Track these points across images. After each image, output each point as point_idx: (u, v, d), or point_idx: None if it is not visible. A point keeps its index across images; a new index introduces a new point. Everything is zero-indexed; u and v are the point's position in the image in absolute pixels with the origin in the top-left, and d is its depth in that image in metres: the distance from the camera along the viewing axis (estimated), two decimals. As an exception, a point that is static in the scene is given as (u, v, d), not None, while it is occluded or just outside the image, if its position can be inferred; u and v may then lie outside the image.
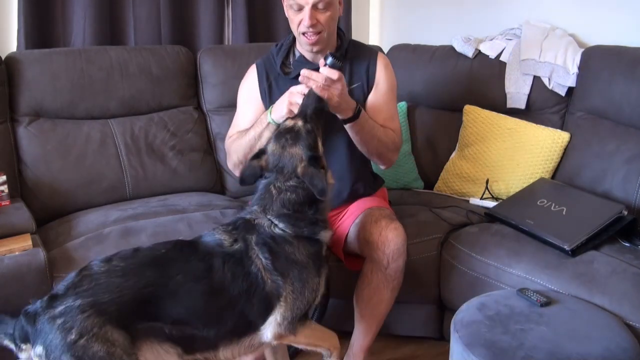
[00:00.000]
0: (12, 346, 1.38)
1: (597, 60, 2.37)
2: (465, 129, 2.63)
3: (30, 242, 1.83)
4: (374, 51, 2.08)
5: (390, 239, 1.82)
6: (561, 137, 2.39)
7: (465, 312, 1.68)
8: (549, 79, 2.50)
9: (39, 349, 1.31)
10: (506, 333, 1.54)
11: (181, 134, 2.55)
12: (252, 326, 1.53)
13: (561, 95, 2.50)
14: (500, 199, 2.38)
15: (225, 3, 2.91)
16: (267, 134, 1.83)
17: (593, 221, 1.93)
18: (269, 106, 1.99)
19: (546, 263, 1.86)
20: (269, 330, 1.53)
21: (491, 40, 2.72)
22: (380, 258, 1.83)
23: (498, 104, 2.61)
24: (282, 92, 1.96)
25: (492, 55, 2.66)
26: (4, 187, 2.06)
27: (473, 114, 2.62)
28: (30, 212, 2.04)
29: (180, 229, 2.03)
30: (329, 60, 1.75)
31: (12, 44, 2.51)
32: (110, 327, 1.32)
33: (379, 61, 2.02)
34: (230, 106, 2.59)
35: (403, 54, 2.89)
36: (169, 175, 2.48)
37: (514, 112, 2.57)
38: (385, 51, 2.88)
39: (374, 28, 3.44)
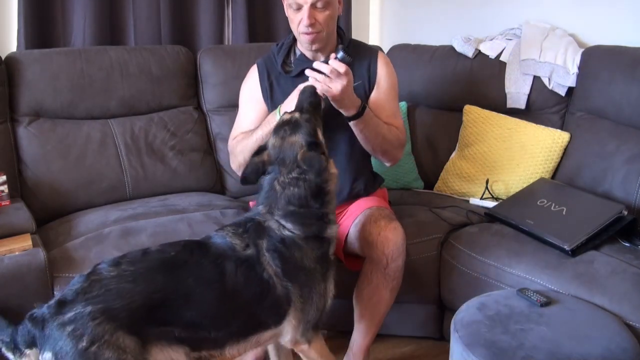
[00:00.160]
0: (8, 354, 1.37)
1: (597, 60, 2.37)
2: (465, 129, 2.63)
3: (30, 242, 1.83)
4: (374, 50, 2.09)
5: (390, 239, 1.82)
6: (561, 137, 2.39)
7: (465, 312, 1.68)
8: (549, 79, 2.50)
9: (48, 355, 1.29)
10: (506, 333, 1.54)
11: (181, 134, 2.55)
12: (261, 325, 1.54)
13: (561, 95, 2.50)
14: (500, 199, 2.38)
15: (225, 3, 2.91)
16: None
17: (593, 221, 1.93)
18: (271, 105, 2.00)
19: (546, 263, 1.86)
20: (288, 334, 1.57)
21: (491, 40, 2.72)
22: (380, 258, 1.83)
23: (498, 104, 2.61)
24: (283, 91, 1.97)
25: (492, 55, 2.66)
26: (4, 187, 2.06)
27: (473, 114, 2.62)
28: (30, 212, 2.04)
29: (180, 229, 2.03)
30: (340, 54, 1.76)
31: (12, 44, 2.51)
32: (121, 333, 1.31)
33: (380, 60, 2.04)
34: (230, 106, 2.60)
35: (403, 53, 2.89)
36: (169, 175, 2.48)
37: (514, 112, 2.57)
38: (385, 51, 2.88)
39: (374, 28, 3.44)
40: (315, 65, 1.75)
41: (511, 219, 2.09)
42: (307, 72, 1.77)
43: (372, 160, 2.19)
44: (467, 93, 2.69)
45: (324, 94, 1.75)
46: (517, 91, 2.57)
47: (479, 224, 2.20)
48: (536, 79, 2.53)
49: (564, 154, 2.39)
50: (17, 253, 1.77)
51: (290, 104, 1.79)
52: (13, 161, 2.26)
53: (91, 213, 2.22)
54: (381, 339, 2.19)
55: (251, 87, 2.06)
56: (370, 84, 2.02)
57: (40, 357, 1.31)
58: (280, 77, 2.02)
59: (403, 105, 2.76)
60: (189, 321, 1.42)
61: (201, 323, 1.44)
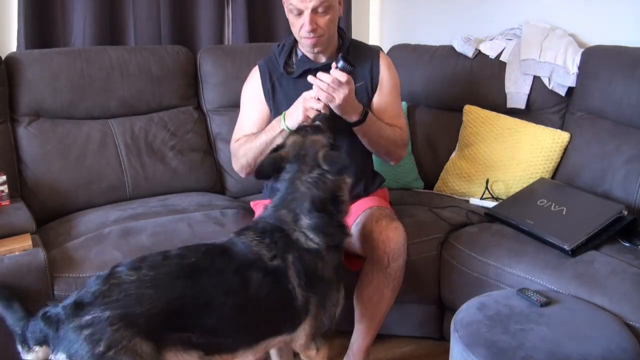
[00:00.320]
0: (17, 345, 1.36)
1: (597, 60, 2.37)
2: (465, 129, 2.63)
3: (30, 242, 1.83)
4: (375, 51, 2.09)
5: (391, 238, 1.82)
6: (561, 137, 2.39)
7: (465, 312, 1.68)
8: (549, 79, 2.50)
9: (62, 356, 1.28)
10: (506, 333, 1.54)
11: (181, 134, 2.55)
12: (276, 332, 1.55)
13: (561, 95, 2.50)
14: (500, 199, 2.38)
15: (225, 3, 2.91)
16: (279, 140, 1.87)
17: (593, 221, 1.93)
18: (273, 106, 2.01)
19: (546, 263, 1.86)
20: (300, 340, 1.58)
21: (491, 40, 2.72)
22: (381, 257, 1.84)
23: (498, 104, 2.61)
24: (285, 92, 1.98)
25: (492, 55, 2.66)
26: (4, 187, 2.06)
27: (473, 114, 2.62)
28: (30, 212, 2.04)
29: (180, 229, 2.03)
30: (340, 63, 1.76)
31: (12, 44, 2.51)
32: (139, 339, 1.29)
33: (382, 61, 2.05)
34: (230, 106, 2.60)
35: (403, 54, 2.89)
36: (169, 175, 2.48)
37: (514, 112, 2.57)
38: (385, 51, 2.88)
39: (374, 28, 3.44)
40: (318, 75, 1.77)
41: (511, 219, 2.09)
42: (310, 79, 1.78)
43: (374, 159, 2.20)
44: (467, 93, 2.69)
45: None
46: (517, 91, 2.57)
47: (479, 224, 2.20)
48: (536, 79, 2.53)
49: (564, 154, 2.39)
50: (17, 253, 1.77)
51: (295, 112, 1.81)
52: (13, 161, 2.26)
53: (91, 213, 2.22)
54: (381, 339, 2.19)
55: (253, 89, 2.07)
56: (373, 85, 2.03)
57: (52, 357, 1.30)
58: (282, 78, 2.02)
59: (403, 105, 2.75)
60: (208, 328, 1.40)
61: (220, 329, 1.43)
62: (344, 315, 2.02)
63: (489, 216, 2.21)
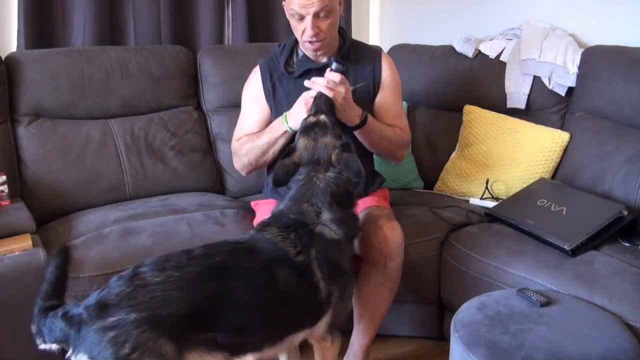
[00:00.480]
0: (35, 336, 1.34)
1: (597, 60, 2.37)
2: (465, 129, 2.63)
3: (30, 242, 1.83)
4: (377, 51, 2.10)
5: (388, 238, 1.82)
6: (561, 137, 2.39)
7: (465, 312, 1.68)
8: (549, 79, 2.50)
9: (84, 357, 1.27)
10: (506, 333, 1.54)
11: (181, 134, 2.55)
12: (300, 327, 1.56)
13: (561, 95, 2.50)
14: (500, 199, 2.38)
15: (225, 3, 2.91)
16: (282, 141, 1.91)
17: (593, 221, 1.92)
18: (273, 106, 2.01)
19: (546, 263, 1.86)
20: (319, 332, 1.60)
21: (491, 40, 2.72)
22: (378, 257, 1.84)
23: (498, 104, 2.61)
24: (286, 92, 1.99)
25: (492, 55, 2.66)
26: (4, 187, 2.06)
27: (473, 114, 2.62)
28: (30, 212, 2.04)
29: (180, 229, 2.03)
30: (334, 65, 1.80)
31: (12, 44, 2.51)
32: (163, 340, 1.28)
33: (384, 61, 2.06)
34: (230, 106, 2.60)
35: (403, 54, 2.89)
36: (169, 175, 2.48)
37: (514, 112, 2.57)
38: (385, 51, 2.88)
39: (374, 28, 3.44)
40: (313, 80, 1.79)
41: (511, 219, 2.09)
42: (307, 83, 1.81)
43: (375, 159, 2.20)
44: (467, 93, 2.69)
45: None
46: (517, 91, 2.57)
47: (479, 224, 2.20)
48: (536, 79, 2.53)
49: (564, 154, 2.39)
50: (17, 253, 1.77)
51: (298, 113, 1.82)
52: (13, 161, 2.26)
53: (91, 213, 2.22)
54: (381, 339, 2.19)
55: (254, 88, 2.07)
56: (375, 85, 2.04)
57: (73, 358, 1.28)
58: (283, 78, 2.03)
59: (403, 105, 2.76)
60: (235, 327, 1.40)
61: (246, 328, 1.43)
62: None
63: (489, 216, 2.21)
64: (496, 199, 2.40)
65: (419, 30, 3.17)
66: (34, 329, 1.33)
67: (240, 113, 2.12)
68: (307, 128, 1.69)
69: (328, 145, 1.64)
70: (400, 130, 2.04)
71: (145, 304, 1.29)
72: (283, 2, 1.94)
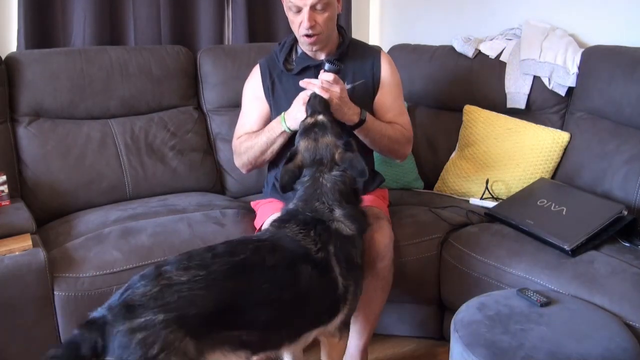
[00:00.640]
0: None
1: (597, 60, 2.37)
2: (465, 129, 2.63)
3: (30, 242, 1.83)
4: (376, 50, 2.11)
5: (376, 239, 1.83)
6: (561, 137, 2.39)
7: (465, 312, 1.68)
8: (549, 79, 2.49)
9: (111, 359, 1.25)
10: (506, 333, 1.54)
11: (181, 134, 2.55)
12: (318, 323, 1.57)
13: (561, 95, 2.50)
14: (500, 199, 2.38)
15: (225, 3, 2.90)
16: (280, 141, 1.92)
17: (593, 221, 1.92)
18: (273, 103, 2.02)
19: (546, 263, 1.86)
20: (332, 329, 1.61)
21: (491, 40, 2.72)
22: (367, 259, 1.83)
23: (498, 104, 2.61)
24: (285, 89, 1.99)
25: (492, 55, 2.66)
26: (4, 187, 2.06)
27: (473, 114, 2.62)
28: (30, 212, 2.04)
29: (180, 229, 2.03)
30: (327, 66, 1.81)
31: (12, 44, 2.51)
32: (188, 339, 1.28)
33: (383, 59, 2.07)
34: (230, 106, 2.60)
35: (403, 54, 2.89)
36: (169, 175, 2.48)
37: (514, 112, 2.57)
38: (385, 51, 2.88)
39: (374, 28, 3.44)
40: (308, 81, 1.80)
41: (511, 219, 2.09)
42: (302, 83, 1.81)
43: (375, 158, 2.20)
44: (467, 93, 2.69)
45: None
46: (517, 91, 2.57)
47: (479, 224, 2.20)
48: (536, 79, 2.53)
49: (564, 154, 2.39)
50: (17, 253, 1.77)
51: (296, 114, 1.82)
52: (13, 161, 2.26)
53: (91, 213, 2.22)
54: (381, 339, 2.19)
55: (254, 86, 2.09)
56: (375, 83, 2.04)
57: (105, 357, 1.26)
58: (282, 75, 2.04)
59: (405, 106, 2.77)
60: (259, 325, 1.40)
61: (270, 326, 1.43)
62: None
63: (489, 216, 2.21)
64: (496, 199, 2.40)
65: (419, 30, 3.17)
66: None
67: (241, 111, 2.14)
68: (307, 129, 1.69)
69: (330, 145, 1.65)
70: (402, 128, 2.04)
71: (173, 304, 1.28)
72: None
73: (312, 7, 1.86)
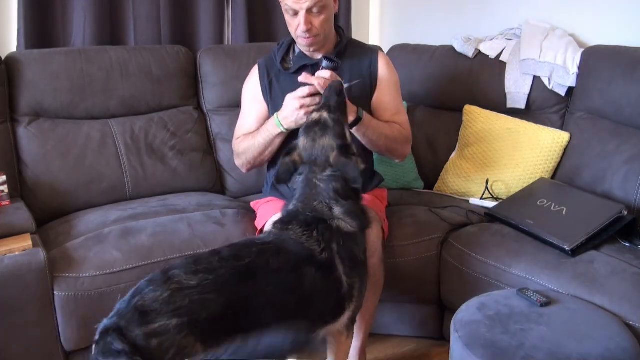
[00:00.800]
0: None
1: (597, 60, 2.37)
2: (465, 129, 2.63)
3: (30, 242, 1.83)
4: (374, 49, 2.12)
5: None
6: (561, 137, 2.39)
7: (465, 312, 1.68)
8: (549, 79, 2.49)
9: None
10: (506, 333, 1.54)
11: (181, 134, 2.55)
12: (324, 323, 1.57)
13: (561, 95, 2.50)
14: (500, 199, 2.38)
15: (225, 3, 2.91)
16: (278, 141, 1.93)
17: (593, 221, 1.92)
18: (270, 103, 2.03)
19: (546, 263, 1.86)
20: (339, 327, 1.61)
21: (491, 40, 2.72)
22: None
23: (498, 104, 2.61)
24: (282, 88, 2.00)
25: (492, 55, 2.66)
26: (4, 187, 2.06)
27: (473, 114, 2.62)
28: (30, 212, 2.04)
29: (180, 229, 2.03)
30: (324, 63, 1.82)
31: (12, 44, 2.51)
32: (199, 343, 1.29)
33: (380, 58, 2.07)
34: (230, 106, 2.60)
35: (403, 54, 2.89)
36: (169, 175, 2.48)
37: (514, 112, 2.57)
38: (385, 51, 2.88)
39: (374, 28, 3.45)
40: (305, 75, 1.80)
41: (511, 219, 2.09)
42: (301, 79, 1.81)
43: (374, 158, 2.20)
44: (467, 93, 2.69)
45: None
46: (517, 91, 2.57)
47: (479, 224, 2.20)
48: (536, 79, 2.53)
49: (564, 154, 2.39)
50: (17, 253, 1.77)
51: (291, 115, 1.82)
52: (13, 161, 2.26)
53: (91, 213, 2.22)
54: (381, 339, 2.19)
55: (252, 86, 2.10)
56: (372, 82, 2.04)
57: None
58: (280, 75, 2.05)
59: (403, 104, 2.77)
60: (265, 327, 1.39)
61: (275, 327, 1.42)
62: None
63: (489, 216, 2.21)
64: (496, 199, 2.40)
65: (419, 30, 3.17)
66: None
67: (240, 112, 2.15)
68: (308, 128, 1.68)
69: (326, 147, 1.63)
70: (400, 127, 2.04)
71: (185, 308, 1.28)
72: None
73: (309, 11, 1.87)
